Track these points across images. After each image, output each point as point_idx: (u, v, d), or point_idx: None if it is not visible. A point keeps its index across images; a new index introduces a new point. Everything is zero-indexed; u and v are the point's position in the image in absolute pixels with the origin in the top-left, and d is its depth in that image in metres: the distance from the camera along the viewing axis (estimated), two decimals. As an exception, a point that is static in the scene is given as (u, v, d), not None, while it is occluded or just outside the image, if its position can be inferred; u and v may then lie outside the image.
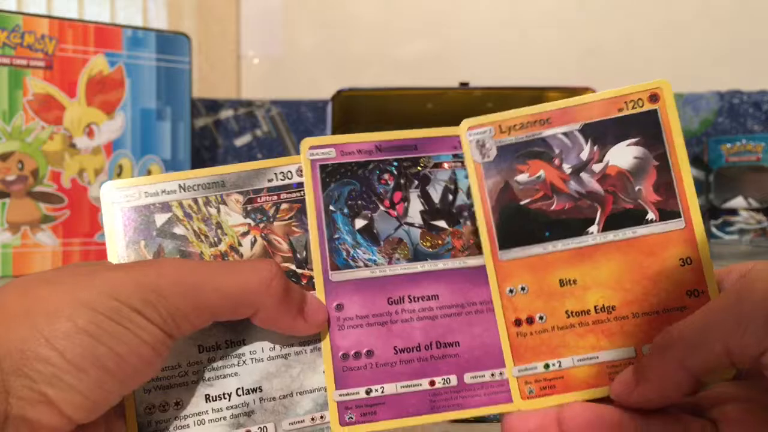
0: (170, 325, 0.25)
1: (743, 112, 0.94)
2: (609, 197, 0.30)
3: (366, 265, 0.30)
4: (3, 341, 0.22)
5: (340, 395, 0.29)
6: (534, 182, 0.31)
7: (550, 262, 0.30)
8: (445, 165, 0.32)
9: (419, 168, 0.32)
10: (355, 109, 0.76)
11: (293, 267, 0.30)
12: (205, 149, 0.95)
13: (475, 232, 0.31)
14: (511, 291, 0.30)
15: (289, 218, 0.31)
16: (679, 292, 0.29)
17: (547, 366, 0.29)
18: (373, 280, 0.30)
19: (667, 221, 0.30)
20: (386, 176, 0.31)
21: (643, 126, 0.30)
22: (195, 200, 0.30)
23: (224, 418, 0.28)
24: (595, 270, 0.30)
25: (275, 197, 0.31)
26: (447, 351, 0.30)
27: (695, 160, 0.91)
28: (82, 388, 0.22)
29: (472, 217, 0.31)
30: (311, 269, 0.30)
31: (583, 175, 0.31)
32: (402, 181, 0.31)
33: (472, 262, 0.31)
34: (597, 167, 0.31)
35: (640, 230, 0.30)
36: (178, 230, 0.30)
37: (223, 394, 0.28)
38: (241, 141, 0.95)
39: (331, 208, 0.31)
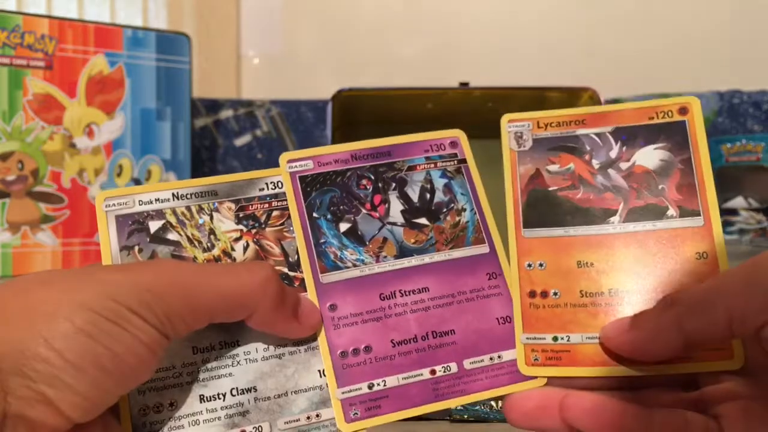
0: (166, 325, 0.25)
1: (743, 112, 0.94)
2: (633, 192, 0.32)
3: (354, 265, 0.31)
4: (2, 341, 0.22)
5: (343, 393, 0.29)
6: (564, 172, 0.33)
7: (569, 244, 0.31)
8: (419, 167, 0.33)
9: (395, 172, 0.33)
10: (355, 109, 0.75)
11: (286, 270, 0.31)
12: (205, 149, 0.95)
13: (456, 225, 0.32)
14: (529, 265, 0.31)
15: (281, 224, 0.31)
16: (693, 283, 0.30)
17: (555, 338, 0.30)
18: (363, 278, 0.31)
19: (687, 218, 0.31)
20: (364, 181, 0.33)
21: (672, 133, 0.32)
22: (188, 208, 0.31)
23: (219, 418, 0.28)
24: (613, 256, 0.31)
25: (266, 205, 0.31)
26: (443, 340, 0.30)
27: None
28: (81, 387, 0.23)
29: (452, 212, 0.32)
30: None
31: (611, 171, 0.32)
32: (380, 185, 0.33)
33: (457, 254, 0.32)
34: (624, 165, 0.32)
35: (660, 224, 0.31)
36: (172, 236, 0.30)
37: (218, 394, 0.28)
38: (241, 141, 0.95)
39: (315, 215, 0.32)
